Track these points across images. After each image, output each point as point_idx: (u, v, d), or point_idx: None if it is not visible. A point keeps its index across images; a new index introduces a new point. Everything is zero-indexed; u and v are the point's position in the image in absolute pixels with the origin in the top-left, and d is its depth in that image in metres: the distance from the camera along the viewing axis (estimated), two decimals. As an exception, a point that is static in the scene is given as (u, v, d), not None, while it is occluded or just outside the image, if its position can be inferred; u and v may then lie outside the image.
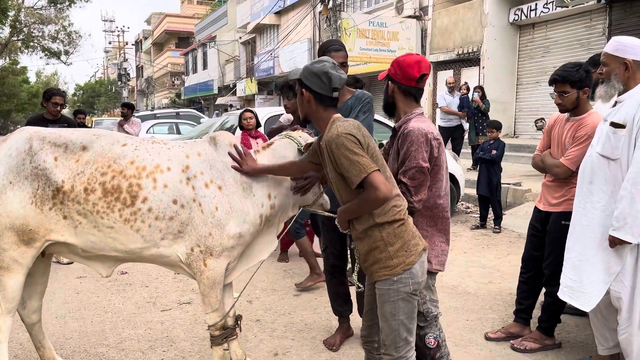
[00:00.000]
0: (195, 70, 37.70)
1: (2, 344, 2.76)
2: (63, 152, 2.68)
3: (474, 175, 9.47)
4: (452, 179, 7.69)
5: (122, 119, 9.01)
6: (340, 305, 3.59)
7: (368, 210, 2.16)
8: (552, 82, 3.21)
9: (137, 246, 2.70)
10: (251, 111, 6.14)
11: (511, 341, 3.45)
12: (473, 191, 8.73)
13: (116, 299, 4.54)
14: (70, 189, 2.62)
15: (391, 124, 7.78)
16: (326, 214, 2.97)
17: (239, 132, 6.17)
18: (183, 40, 47.13)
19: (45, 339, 3.13)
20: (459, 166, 8.03)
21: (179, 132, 15.99)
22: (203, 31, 36.32)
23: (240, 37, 29.99)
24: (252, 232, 2.82)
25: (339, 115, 2.33)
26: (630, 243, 2.56)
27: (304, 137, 2.95)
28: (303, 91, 2.34)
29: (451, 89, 10.38)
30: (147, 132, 16.24)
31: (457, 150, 10.22)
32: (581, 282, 2.77)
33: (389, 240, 2.18)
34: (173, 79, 46.72)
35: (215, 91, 33.09)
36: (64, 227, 2.66)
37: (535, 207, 3.48)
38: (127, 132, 8.99)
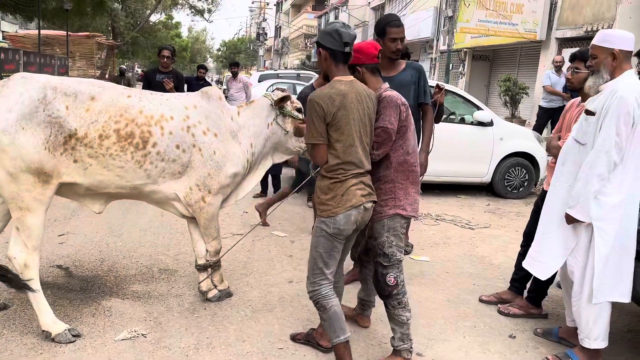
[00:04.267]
0: (326, 34, 38.59)
1: (35, 281, 2.94)
2: (73, 101, 2.90)
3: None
4: (532, 160, 7.63)
5: (231, 76, 10.08)
6: (356, 251, 4.09)
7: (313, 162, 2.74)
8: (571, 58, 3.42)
9: (140, 182, 3.13)
10: None
11: (499, 305, 3.73)
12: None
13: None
14: (84, 135, 2.90)
15: (476, 101, 7.83)
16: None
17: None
18: (320, 2, 48.14)
19: None
20: (542, 148, 7.86)
21: (295, 92, 16.97)
22: (338, -6, 36.86)
23: (369, 2, 30.10)
24: (241, 174, 3.43)
25: (340, 78, 2.68)
26: (581, 221, 2.74)
27: (276, 93, 3.49)
28: (320, 50, 2.70)
29: (558, 68, 9.91)
30: (267, 90, 17.56)
31: (556, 132, 9.83)
32: (541, 253, 3.00)
33: (324, 189, 2.69)
34: (306, 41, 48.26)
35: (342, 55, 33.68)
36: (74, 170, 2.93)
37: (542, 187, 3.65)
38: (232, 88, 10.07)
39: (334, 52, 2.67)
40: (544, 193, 3.62)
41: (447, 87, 6.94)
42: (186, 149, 3.20)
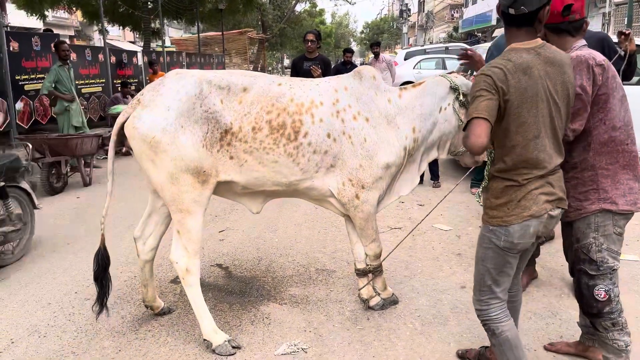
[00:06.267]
0: (474, 1, 36.13)
1: (196, 287, 2.82)
2: (226, 94, 2.75)
3: None
4: None
5: (373, 57, 9.62)
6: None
7: (465, 148, 2.06)
8: None
9: (295, 178, 2.86)
10: None
11: None
12: None
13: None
14: (238, 129, 2.72)
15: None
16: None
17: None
18: (466, -31, 45.22)
19: (153, 279, 3.17)
20: None
21: (445, 67, 15.96)
22: (486, -43, 34.18)
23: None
24: (397, 164, 2.91)
25: (515, 46, 2.04)
26: None
27: (460, 79, 2.84)
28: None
29: None
30: (414, 68, 16.79)
31: None
32: None
33: (495, 193, 2.12)
34: (452, 12, 45.80)
35: (493, 22, 31.24)
36: (230, 167, 2.77)
37: None
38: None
39: (503, 14, 2.05)
40: None
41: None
42: (337, 138, 2.85)
